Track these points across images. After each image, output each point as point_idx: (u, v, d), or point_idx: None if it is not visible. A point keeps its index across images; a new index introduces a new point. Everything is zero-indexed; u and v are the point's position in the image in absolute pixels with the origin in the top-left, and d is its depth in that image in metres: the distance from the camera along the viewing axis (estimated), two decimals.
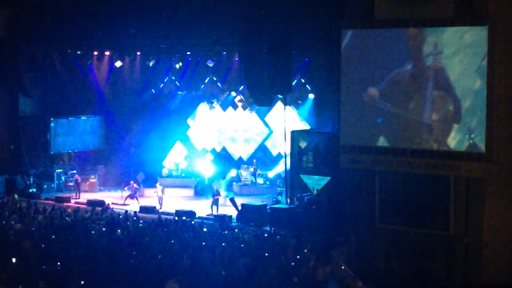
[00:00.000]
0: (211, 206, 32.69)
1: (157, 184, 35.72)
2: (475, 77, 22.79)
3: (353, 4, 25.86)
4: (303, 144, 32.33)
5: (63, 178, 38.41)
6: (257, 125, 38.58)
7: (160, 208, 33.56)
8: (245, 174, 37.07)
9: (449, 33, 23.16)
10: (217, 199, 32.83)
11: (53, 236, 24.44)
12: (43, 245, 23.18)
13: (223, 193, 34.56)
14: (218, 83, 38.58)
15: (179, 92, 39.65)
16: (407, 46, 23.94)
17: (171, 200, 34.72)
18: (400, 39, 24.03)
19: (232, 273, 20.72)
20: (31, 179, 37.96)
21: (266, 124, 38.41)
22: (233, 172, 37.93)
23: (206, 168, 38.44)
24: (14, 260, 20.93)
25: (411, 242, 24.67)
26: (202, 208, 32.99)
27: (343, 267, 22.88)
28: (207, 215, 32.06)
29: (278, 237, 25.83)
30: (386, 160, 24.47)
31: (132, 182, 35.56)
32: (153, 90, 40.01)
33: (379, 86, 24.58)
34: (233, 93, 38.41)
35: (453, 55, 23.18)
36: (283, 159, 34.29)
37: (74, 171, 38.72)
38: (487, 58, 22.41)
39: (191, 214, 31.15)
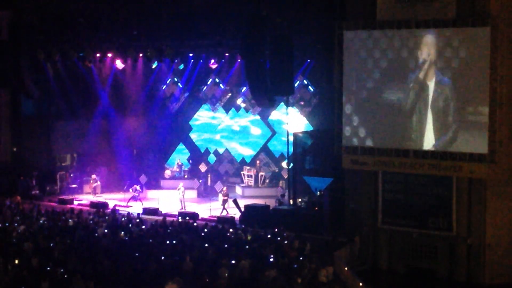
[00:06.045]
0: (223, 207, 32.51)
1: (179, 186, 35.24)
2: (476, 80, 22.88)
3: (355, 5, 25.90)
4: (305, 146, 32.29)
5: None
6: (260, 126, 38.54)
7: (182, 208, 33.34)
8: (247, 175, 37.05)
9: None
10: (226, 200, 32.70)
11: (56, 238, 24.48)
12: (46, 247, 23.21)
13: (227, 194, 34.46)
14: (221, 85, 38.59)
15: (182, 94, 39.65)
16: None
17: (174, 202, 34.64)
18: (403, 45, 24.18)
19: (234, 274, 20.73)
20: (34, 181, 37.95)
21: (269, 126, 38.37)
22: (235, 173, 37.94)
23: (209, 170, 38.43)
24: (16, 261, 20.97)
25: (413, 243, 24.67)
26: (205, 209, 32.93)
27: (345, 268, 22.87)
28: (217, 216, 31.84)
29: (280, 238, 25.78)
30: (388, 161, 24.48)
31: (136, 185, 35.56)
32: (155, 91, 39.99)
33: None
34: (236, 95, 38.39)
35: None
36: (286, 160, 34.22)
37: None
38: (489, 59, 22.40)
39: (194, 215, 31.13)
